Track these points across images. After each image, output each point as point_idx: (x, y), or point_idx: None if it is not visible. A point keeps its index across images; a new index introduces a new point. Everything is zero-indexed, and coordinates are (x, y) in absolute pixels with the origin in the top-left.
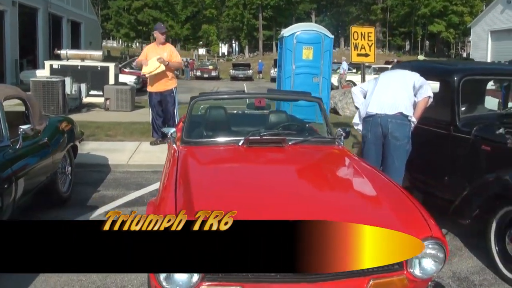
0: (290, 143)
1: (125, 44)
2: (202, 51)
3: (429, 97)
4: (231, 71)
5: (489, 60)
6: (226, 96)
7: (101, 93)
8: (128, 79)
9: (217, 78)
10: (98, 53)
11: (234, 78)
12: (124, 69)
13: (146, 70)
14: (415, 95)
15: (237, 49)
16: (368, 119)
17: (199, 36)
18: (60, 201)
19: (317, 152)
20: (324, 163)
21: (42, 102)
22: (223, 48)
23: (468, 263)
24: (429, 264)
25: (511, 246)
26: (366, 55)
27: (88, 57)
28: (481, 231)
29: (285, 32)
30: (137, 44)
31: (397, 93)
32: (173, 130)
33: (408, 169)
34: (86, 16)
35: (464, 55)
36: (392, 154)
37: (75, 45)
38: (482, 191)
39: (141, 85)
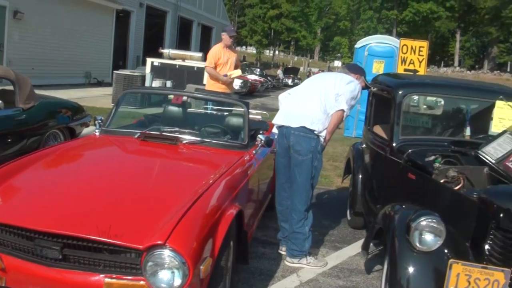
0: (184, 142)
1: (258, 50)
2: (338, 63)
3: (343, 110)
4: None
5: None
6: (153, 90)
7: None
8: (234, 82)
9: None
10: (198, 55)
11: None
12: None
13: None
14: None
15: None
16: (278, 129)
17: (332, 47)
18: None
19: (201, 155)
20: (180, 167)
21: None
22: None
23: None
24: (166, 275)
25: None
26: (415, 71)
27: (189, 58)
28: None
29: (358, 43)
30: (269, 51)
31: (307, 103)
32: (100, 117)
33: (362, 194)
34: (219, 21)
35: None
36: (294, 169)
37: (205, 47)
38: (377, 225)
39: (248, 89)
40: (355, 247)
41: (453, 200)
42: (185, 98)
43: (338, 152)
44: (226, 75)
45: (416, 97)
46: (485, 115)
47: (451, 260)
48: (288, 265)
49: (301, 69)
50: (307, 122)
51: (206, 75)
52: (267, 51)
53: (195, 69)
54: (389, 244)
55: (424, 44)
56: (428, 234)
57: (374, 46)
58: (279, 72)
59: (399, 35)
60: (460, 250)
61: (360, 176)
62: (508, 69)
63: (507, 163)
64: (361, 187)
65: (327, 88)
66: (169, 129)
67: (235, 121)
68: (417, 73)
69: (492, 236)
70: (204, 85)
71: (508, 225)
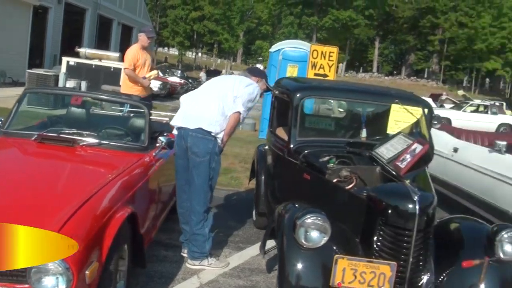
0: (82, 144)
1: (179, 52)
2: (260, 66)
3: (239, 112)
4: None
5: None
6: (54, 91)
7: None
8: (153, 83)
9: None
10: (115, 55)
11: None
12: None
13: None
14: None
15: None
16: (177, 131)
17: (254, 50)
18: None
19: (98, 157)
20: (74, 170)
21: None
22: None
23: None
24: (50, 282)
25: None
26: (325, 75)
27: (106, 58)
28: None
29: (273, 47)
30: (191, 53)
31: (206, 104)
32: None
33: (265, 195)
34: (140, 21)
35: None
36: (192, 171)
37: (125, 47)
38: (273, 224)
39: (168, 91)
40: (258, 247)
41: (344, 198)
42: (89, 99)
43: (251, 154)
44: (145, 78)
45: (332, 101)
46: (382, 118)
47: (336, 256)
48: (190, 267)
49: (223, 71)
50: (205, 124)
51: (122, 76)
52: (190, 53)
53: (112, 69)
54: (279, 242)
55: (334, 50)
56: (313, 231)
57: (288, 50)
58: (202, 75)
59: (319, 41)
60: (350, 246)
61: (263, 177)
62: (425, 76)
63: (397, 163)
64: (264, 188)
65: (226, 90)
66: (67, 131)
67: (137, 123)
68: (327, 78)
69: (381, 232)
70: (120, 86)
71: (395, 220)
